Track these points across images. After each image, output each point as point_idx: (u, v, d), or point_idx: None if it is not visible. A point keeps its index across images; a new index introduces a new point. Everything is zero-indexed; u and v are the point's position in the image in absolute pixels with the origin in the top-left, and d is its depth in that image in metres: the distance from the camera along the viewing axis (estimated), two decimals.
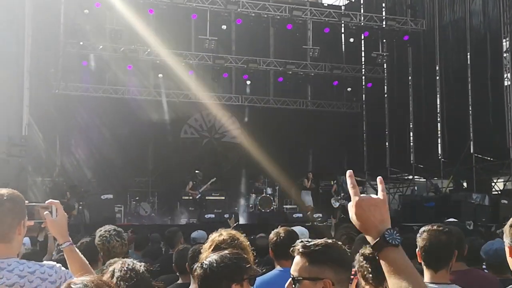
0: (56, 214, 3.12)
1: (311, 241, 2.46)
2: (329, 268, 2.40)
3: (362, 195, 2.03)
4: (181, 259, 4.60)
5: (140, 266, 2.76)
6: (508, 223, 2.57)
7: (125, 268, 2.69)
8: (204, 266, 2.65)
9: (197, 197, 19.09)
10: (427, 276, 3.47)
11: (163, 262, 6.02)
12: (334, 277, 2.38)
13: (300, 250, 2.44)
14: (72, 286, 1.93)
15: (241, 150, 23.06)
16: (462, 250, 4.10)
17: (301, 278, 2.38)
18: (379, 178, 2.15)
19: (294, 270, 2.43)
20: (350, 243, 5.23)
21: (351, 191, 2.05)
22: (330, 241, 2.50)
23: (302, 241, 2.47)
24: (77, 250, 3.15)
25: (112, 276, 2.67)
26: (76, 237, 8.40)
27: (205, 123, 24.45)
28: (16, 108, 19.31)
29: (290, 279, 2.43)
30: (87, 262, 3.16)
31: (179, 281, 4.85)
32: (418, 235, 3.61)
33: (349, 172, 2.10)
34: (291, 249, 2.50)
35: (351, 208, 2.03)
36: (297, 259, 2.44)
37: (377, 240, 1.95)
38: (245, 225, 16.77)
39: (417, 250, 3.53)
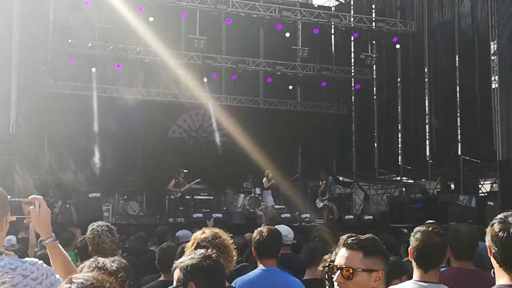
0: (40, 209, 3.11)
1: (359, 236, 2.65)
2: (381, 260, 2.61)
3: None
4: (165, 257, 4.61)
5: (112, 265, 2.75)
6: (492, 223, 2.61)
7: (93, 266, 2.70)
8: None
9: (178, 195, 19.00)
10: (416, 274, 3.52)
11: (147, 260, 6.03)
12: (384, 269, 2.60)
13: (355, 243, 2.61)
14: (74, 280, 1.95)
15: (228, 148, 23.05)
16: (474, 250, 4.16)
17: (360, 269, 2.55)
18: None
19: (347, 262, 2.58)
20: (323, 244, 5.29)
21: None
22: (374, 236, 2.69)
23: (351, 236, 2.65)
24: (60, 246, 3.14)
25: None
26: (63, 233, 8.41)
27: (194, 123, 24.43)
28: (3, 106, 19.22)
29: (338, 272, 2.57)
30: (70, 258, 3.15)
31: (162, 278, 4.87)
32: (412, 234, 3.65)
33: None
34: (340, 241, 2.65)
35: None
36: (349, 252, 2.61)
37: None
38: (233, 225, 16.76)
39: (409, 248, 3.59)
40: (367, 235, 2.65)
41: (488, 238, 2.58)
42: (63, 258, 3.11)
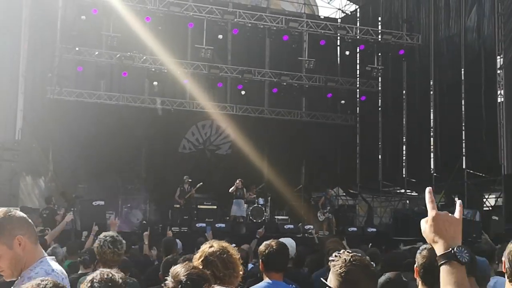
0: None
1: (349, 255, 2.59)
2: None
3: (439, 211, 2.15)
4: (169, 269, 4.58)
5: (119, 277, 2.78)
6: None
7: (105, 278, 2.72)
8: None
9: (182, 204, 19.01)
10: None
11: (152, 272, 6.03)
12: None
13: None
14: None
15: (234, 161, 23.01)
16: (475, 265, 4.16)
17: None
18: (459, 202, 2.26)
19: None
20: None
21: (429, 206, 2.17)
22: (353, 258, 2.59)
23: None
24: None
25: (92, 285, 2.69)
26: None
27: (201, 136, 24.38)
28: (10, 113, 19.30)
29: None
30: None
31: None
32: (418, 251, 3.66)
33: (428, 189, 2.22)
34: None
35: (425, 222, 2.16)
36: None
37: (445, 252, 2.09)
38: (236, 235, 16.71)
39: (415, 266, 3.58)
40: None
41: (505, 253, 2.64)
42: None
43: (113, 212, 18.62)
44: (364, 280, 2.53)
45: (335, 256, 2.59)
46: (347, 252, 2.61)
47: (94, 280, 2.69)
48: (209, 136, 24.38)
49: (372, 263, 2.67)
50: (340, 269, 2.53)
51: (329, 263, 2.60)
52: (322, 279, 2.61)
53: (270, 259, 4.49)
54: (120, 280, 2.76)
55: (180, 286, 2.70)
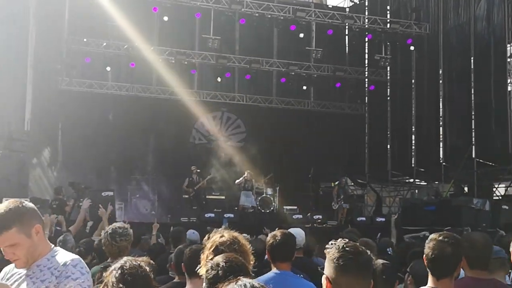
0: None
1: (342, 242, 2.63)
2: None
3: None
4: (180, 259, 4.58)
5: (147, 264, 2.83)
6: None
7: (134, 265, 2.75)
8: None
9: (191, 195, 19.04)
10: (430, 280, 3.58)
11: (162, 261, 6.04)
12: (332, 276, 2.54)
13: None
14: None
15: (245, 151, 22.96)
16: (487, 258, 4.12)
17: None
18: None
19: None
20: None
21: None
22: (347, 245, 2.60)
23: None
24: None
25: (123, 272, 2.70)
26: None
27: (212, 128, 24.30)
28: (18, 103, 19.36)
29: None
30: None
31: (176, 279, 4.87)
32: (426, 241, 3.68)
33: None
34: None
35: None
36: None
37: None
38: (244, 225, 16.72)
39: (424, 255, 3.62)
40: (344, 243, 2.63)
41: None
42: None
43: (122, 202, 18.71)
44: (357, 266, 2.54)
45: (331, 244, 2.62)
46: (341, 240, 2.64)
47: (124, 267, 2.71)
48: (220, 128, 24.33)
49: (367, 251, 2.68)
50: (333, 256, 2.56)
51: (325, 250, 2.63)
52: (319, 268, 2.67)
53: (276, 250, 4.52)
54: (148, 268, 2.80)
55: (218, 268, 2.78)
